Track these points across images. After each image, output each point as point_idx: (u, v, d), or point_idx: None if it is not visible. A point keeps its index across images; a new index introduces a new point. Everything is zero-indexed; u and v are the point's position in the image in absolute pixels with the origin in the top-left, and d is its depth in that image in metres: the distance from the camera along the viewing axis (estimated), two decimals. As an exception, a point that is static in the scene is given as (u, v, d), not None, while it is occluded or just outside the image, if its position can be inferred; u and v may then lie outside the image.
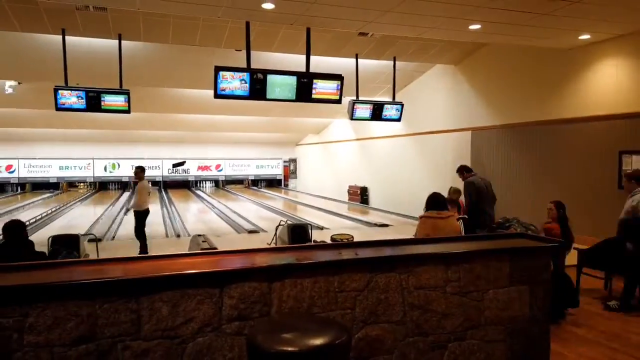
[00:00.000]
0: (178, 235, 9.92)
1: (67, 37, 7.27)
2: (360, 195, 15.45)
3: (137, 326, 2.37)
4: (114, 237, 9.90)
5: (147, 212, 8.19)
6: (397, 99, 9.50)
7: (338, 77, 7.27)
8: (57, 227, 11.23)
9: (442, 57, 9.80)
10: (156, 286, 2.41)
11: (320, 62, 8.43)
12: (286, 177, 24.60)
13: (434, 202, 4.45)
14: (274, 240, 7.23)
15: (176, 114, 15.76)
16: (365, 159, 15.65)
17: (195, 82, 10.84)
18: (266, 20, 6.36)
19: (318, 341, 1.86)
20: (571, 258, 5.51)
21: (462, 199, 7.13)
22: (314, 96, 7.14)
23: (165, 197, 18.66)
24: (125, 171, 22.00)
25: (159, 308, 2.41)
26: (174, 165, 22.51)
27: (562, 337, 4.22)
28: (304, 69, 7.12)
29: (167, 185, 22.53)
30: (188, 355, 2.45)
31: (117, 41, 7.55)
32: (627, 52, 6.65)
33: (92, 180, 22.08)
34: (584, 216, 6.05)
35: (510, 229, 5.26)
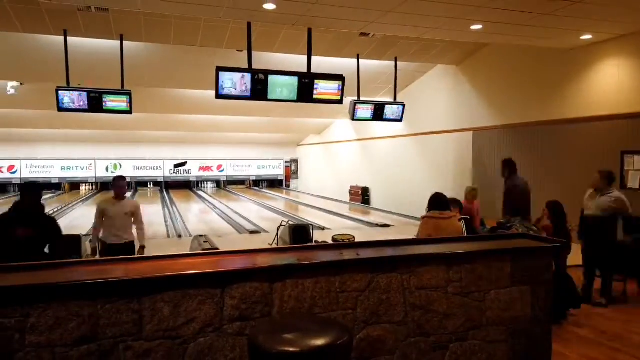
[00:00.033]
0: (179, 236, 9.92)
1: (68, 38, 7.29)
2: (362, 196, 15.45)
3: (138, 326, 2.37)
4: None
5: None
6: (398, 100, 9.50)
7: (339, 78, 7.27)
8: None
9: (444, 57, 9.80)
10: (158, 286, 2.41)
11: (321, 63, 8.42)
12: (287, 178, 24.59)
13: (437, 202, 4.43)
14: (276, 241, 7.23)
15: (178, 114, 15.77)
16: (367, 159, 15.64)
17: (196, 83, 10.85)
18: (267, 21, 6.36)
19: (319, 342, 1.86)
20: (574, 258, 5.50)
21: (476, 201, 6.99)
22: (315, 97, 7.15)
23: (167, 198, 18.67)
24: (127, 172, 22.05)
25: (161, 308, 2.41)
26: (176, 166, 22.54)
27: (564, 338, 4.21)
28: (305, 70, 7.13)
29: (168, 186, 22.55)
30: (190, 356, 2.45)
31: (118, 42, 7.56)
32: (629, 52, 6.64)
33: (93, 180, 22.11)
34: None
35: (512, 229, 5.25)
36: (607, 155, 7.20)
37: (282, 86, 6.87)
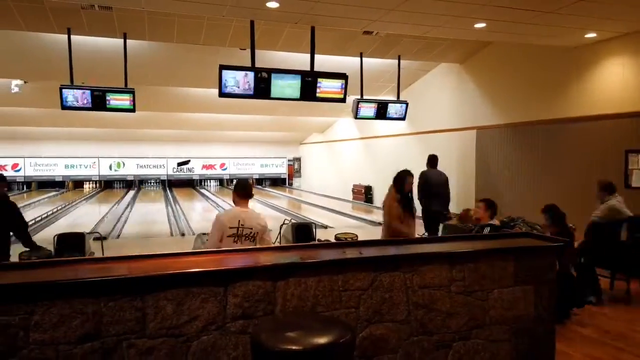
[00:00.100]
0: (183, 234, 9.94)
1: (72, 36, 7.30)
2: (365, 194, 15.43)
3: (142, 324, 2.38)
4: (119, 235, 9.93)
5: None
6: (401, 98, 9.49)
7: (342, 76, 7.26)
8: (63, 225, 11.27)
9: (447, 55, 9.77)
10: (161, 284, 2.41)
11: (324, 61, 8.41)
12: (290, 176, 24.60)
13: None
14: (278, 239, 7.24)
15: (181, 112, 15.80)
16: (370, 157, 15.62)
17: (199, 81, 10.86)
18: (271, 19, 6.36)
19: (322, 340, 1.86)
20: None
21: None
22: (318, 95, 7.14)
23: (170, 196, 18.70)
24: (131, 170, 22.17)
25: (164, 306, 2.41)
26: (179, 164, 22.61)
27: (567, 337, 4.20)
28: (308, 68, 7.12)
29: (171, 184, 22.60)
30: (193, 354, 2.46)
31: (122, 40, 7.57)
32: (634, 50, 6.60)
33: (97, 179, 22.20)
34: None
35: (515, 228, 5.23)
36: (611, 154, 7.16)
37: (285, 85, 6.86)
